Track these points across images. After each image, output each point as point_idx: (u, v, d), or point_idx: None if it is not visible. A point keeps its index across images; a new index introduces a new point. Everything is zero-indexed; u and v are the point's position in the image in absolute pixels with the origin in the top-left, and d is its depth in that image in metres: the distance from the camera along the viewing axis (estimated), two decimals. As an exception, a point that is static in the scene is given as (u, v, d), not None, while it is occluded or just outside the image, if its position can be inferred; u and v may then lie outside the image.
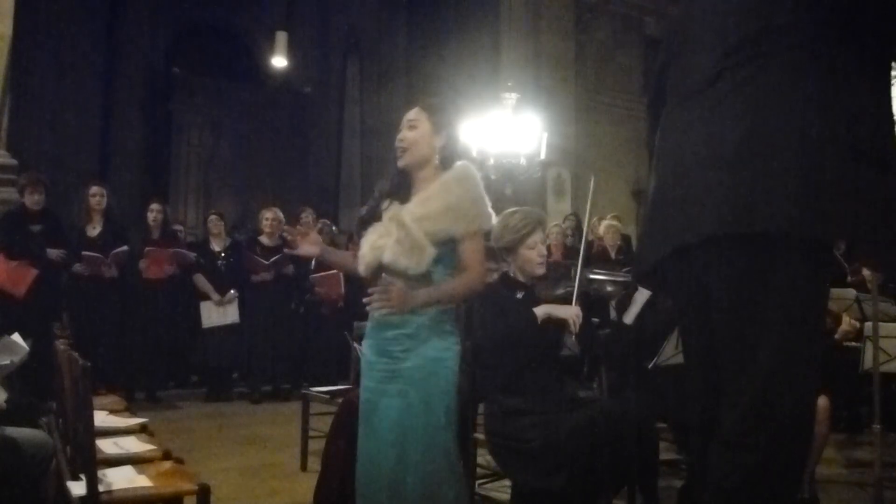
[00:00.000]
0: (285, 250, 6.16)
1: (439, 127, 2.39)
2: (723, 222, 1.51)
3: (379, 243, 2.32)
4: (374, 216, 2.42)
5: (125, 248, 5.75)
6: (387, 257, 2.29)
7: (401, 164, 2.40)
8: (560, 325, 2.85)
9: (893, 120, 1.56)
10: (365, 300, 2.26)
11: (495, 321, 2.83)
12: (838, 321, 3.84)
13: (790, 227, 1.45)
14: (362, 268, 2.38)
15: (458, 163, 2.39)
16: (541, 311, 2.82)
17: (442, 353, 2.31)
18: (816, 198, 1.44)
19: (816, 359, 1.55)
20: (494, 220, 2.42)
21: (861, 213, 1.46)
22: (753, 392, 1.50)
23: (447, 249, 2.31)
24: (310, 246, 2.46)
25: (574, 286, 2.94)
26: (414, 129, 2.38)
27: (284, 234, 2.48)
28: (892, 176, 1.51)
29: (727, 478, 1.53)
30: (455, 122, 2.47)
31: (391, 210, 2.37)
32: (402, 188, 2.41)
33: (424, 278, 2.29)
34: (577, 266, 2.97)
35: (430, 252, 2.26)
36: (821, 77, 1.50)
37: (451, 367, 2.32)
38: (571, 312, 2.84)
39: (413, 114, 2.40)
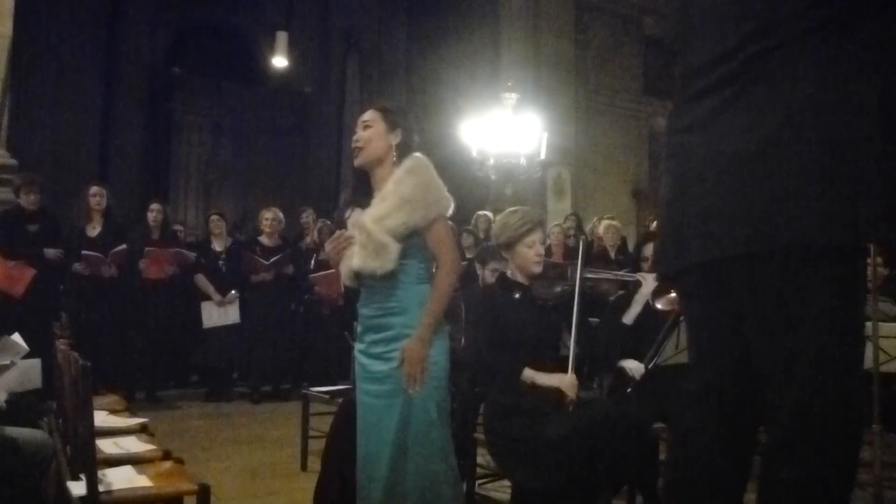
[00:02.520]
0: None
1: (393, 125, 2.43)
2: (746, 240, 1.44)
3: (349, 253, 2.37)
4: (340, 226, 2.47)
5: (124, 246, 5.75)
6: (355, 263, 2.35)
7: (357, 162, 2.45)
8: (549, 393, 2.80)
9: None
10: (408, 389, 2.30)
11: (494, 323, 2.84)
12: None
13: (814, 239, 1.37)
14: (344, 279, 2.45)
15: (410, 156, 2.43)
16: (528, 374, 2.78)
17: (429, 350, 2.33)
18: (839, 201, 1.36)
19: (858, 368, 1.48)
20: (453, 203, 2.44)
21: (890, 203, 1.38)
22: (794, 405, 1.44)
23: (415, 242, 2.35)
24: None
25: (569, 285, 2.93)
26: (368, 129, 2.43)
27: (329, 248, 2.53)
28: None
29: (772, 493, 1.48)
30: (410, 122, 2.50)
31: (353, 217, 2.42)
32: (362, 193, 2.48)
33: (400, 277, 2.33)
34: (574, 266, 2.96)
35: (394, 249, 2.30)
36: (834, 63, 1.40)
37: (440, 363, 2.36)
38: (567, 383, 2.76)
39: (367, 115, 2.45)
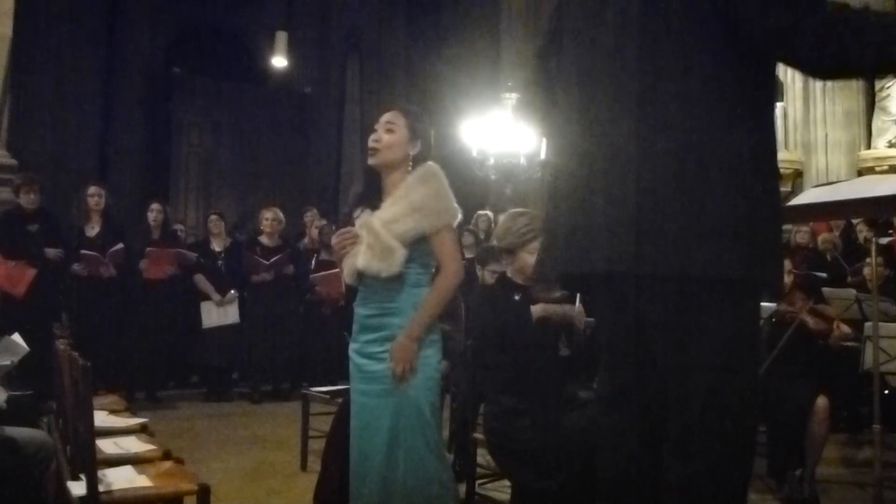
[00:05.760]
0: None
1: (416, 134, 2.42)
2: (658, 260, 1.47)
3: (354, 251, 2.37)
4: (347, 224, 2.48)
5: (121, 246, 5.74)
6: (360, 263, 2.35)
7: (371, 161, 2.42)
8: (562, 323, 2.85)
9: (775, 136, 1.57)
10: (395, 385, 2.31)
11: (493, 323, 2.84)
12: (831, 324, 3.85)
13: (717, 272, 1.44)
14: (346, 277, 2.44)
15: (424, 163, 2.43)
16: (538, 308, 2.82)
17: (422, 350, 2.34)
18: (736, 238, 1.43)
19: (754, 377, 1.59)
20: (460, 214, 2.45)
21: (763, 245, 1.47)
22: (695, 407, 1.52)
23: (420, 248, 2.36)
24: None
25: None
26: (392, 133, 2.40)
27: (336, 244, 2.51)
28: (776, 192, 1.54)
29: (671, 486, 1.55)
30: (431, 131, 2.49)
31: (362, 218, 2.42)
32: (372, 193, 2.46)
33: (399, 279, 2.33)
34: None
35: (401, 253, 2.31)
36: (719, 112, 1.47)
37: (432, 363, 2.37)
38: (575, 311, 2.83)
39: (391, 116, 2.42)
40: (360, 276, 2.39)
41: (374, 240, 2.33)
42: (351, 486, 2.40)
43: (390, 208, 2.37)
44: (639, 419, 1.65)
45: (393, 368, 2.30)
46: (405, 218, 2.33)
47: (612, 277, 1.60)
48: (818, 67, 1.51)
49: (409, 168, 2.42)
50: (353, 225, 2.46)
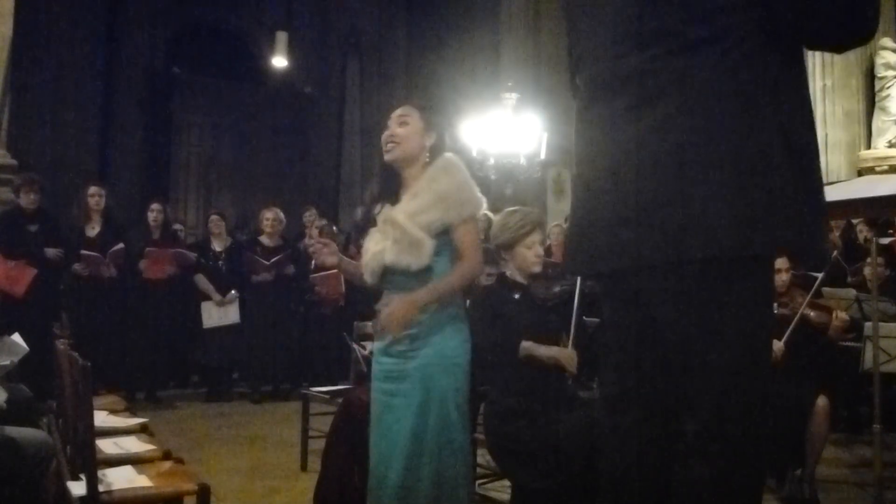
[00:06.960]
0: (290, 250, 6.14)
1: (430, 125, 2.41)
2: (658, 250, 1.45)
3: (377, 248, 2.34)
4: (368, 221, 2.44)
5: (121, 245, 5.75)
6: (388, 258, 2.30)
7: (388, 157, 2.39)
8: (550, 364, 2.80)
9: (810, 106, 1.54)
10: (374, 329, 2.26)
11: (492, 322, 2.84)
12: (831, 315, 3.85)
13: (729, 250, 1.41)
14: (367, 276, 2.39)
15: (442, 155, 2.41)
16: (526, 346, 2.77)
17: (451, 349, 2.31)
18: (752, 214, 1.40)
19: (766, 370, 1.58)
20: (486, 207, 2.43)
21: (795, 216, 1.43)
22: (708, 408, 1.51)
23: (445, 240, 2.32)
24: (329, 256, 2.46)
25: (568, 285, 2.93)
26: (405, 126, 2.38)
27: (309, 245, 2.48)
28: (813, 164, 1.50)
29: (685, 487, 1.53)
30: (444, 123, 2.48)
31: (384, 213, 2.38)
32: (390, 188, 2.43)
33: (428, 273, 2.29)
34: None
35: (429, 245, 2.27)
36: (746, 73, 1.43)
37: (460, 363, 2.33)
38: (566, 355, 2.78)
39: (403, 111, 2.41)
40: (384, 274, 2.35)
41: (400, 234, 2.28)
42: (369, 487, 2.35)
43: (413, 200, 2.33)
44: (645, 420, 1.64)
45: (383, 318, 2.23)
46: (430, 209, 2.29)
47: (616, 276, 1.60)
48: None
49: (427, 159, 2.39)
50: (374, 224, 2.41)
